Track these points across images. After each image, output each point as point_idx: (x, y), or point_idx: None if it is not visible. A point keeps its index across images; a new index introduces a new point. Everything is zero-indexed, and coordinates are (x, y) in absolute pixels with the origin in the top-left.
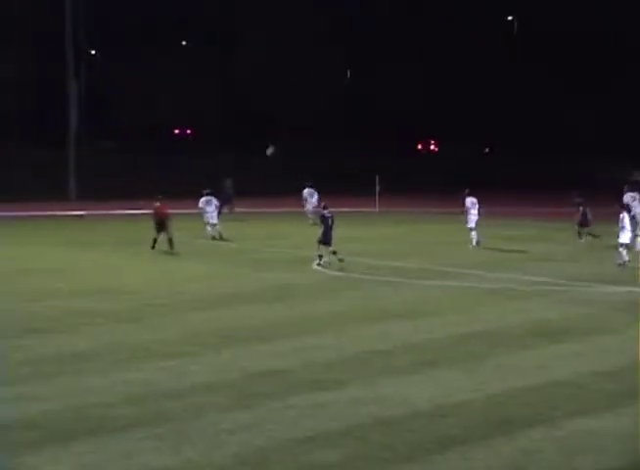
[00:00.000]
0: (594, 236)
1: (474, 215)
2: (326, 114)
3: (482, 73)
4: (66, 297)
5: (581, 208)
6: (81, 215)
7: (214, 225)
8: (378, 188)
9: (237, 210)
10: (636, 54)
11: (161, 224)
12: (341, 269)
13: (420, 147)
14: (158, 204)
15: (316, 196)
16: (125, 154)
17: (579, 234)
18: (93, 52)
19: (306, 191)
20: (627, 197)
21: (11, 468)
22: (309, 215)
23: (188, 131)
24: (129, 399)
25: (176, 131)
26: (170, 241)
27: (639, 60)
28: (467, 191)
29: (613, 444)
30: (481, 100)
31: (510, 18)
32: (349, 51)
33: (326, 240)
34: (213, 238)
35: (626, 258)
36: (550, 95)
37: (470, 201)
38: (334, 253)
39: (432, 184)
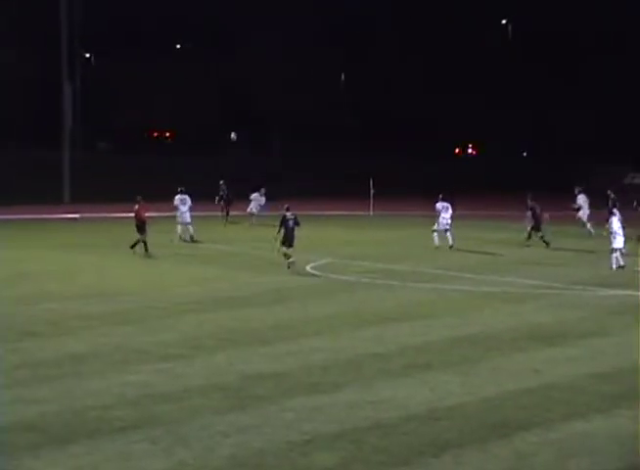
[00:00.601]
0: (545, 242)
1: (443, 219)
2: (325, 115)
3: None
4: (62, 299)
5: (533, 211)
6: (76, 218)
7: (187, 225)
8: (372, 191)
9: (232, 212)
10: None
11: (140, 227)
12: (328, 271)
13: (457, 150)
14: (137, 206)
15: (264, 198)
16: (121, 155)
17: (529, 237)
18: (87, 55)
19: (256, 194)
20: (581, 199)
21: None
22: (253, 217)
23: (168, 133)
24: (126, 401)
25: (167, 134)
26: (145, 244)
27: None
28: (440, 196)
29: (608, 446)
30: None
31: (504, 21)
32: (348, 51)
33: (286, 241)
34: (180, 238)
35: (621, 262)
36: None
37: (440, 205)
38: (285, 255)
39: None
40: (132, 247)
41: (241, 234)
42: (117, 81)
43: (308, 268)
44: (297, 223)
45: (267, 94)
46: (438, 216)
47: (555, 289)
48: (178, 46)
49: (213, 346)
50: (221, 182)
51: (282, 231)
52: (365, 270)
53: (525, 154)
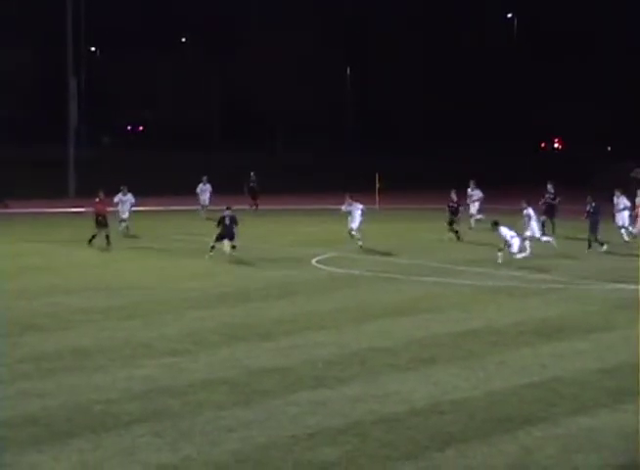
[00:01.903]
0: (457, 237)
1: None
2: (328, 112)
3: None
4: (65, 294)
5: (455, 206)
6: (80, 212)
7: (124, 221)
8: (378, 185)
9: (235, 207)
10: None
11: (101, 221)
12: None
13: (543, 145)
14: (97, 200)
15: (209, 192)
16: (125, 151)
17: (457, 232)
18: (93, 49)
19: (200, 186)
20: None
21: (12, 465)
22: (202, 211)
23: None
24: (129, 395)
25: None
26: (107, 237)
27: None
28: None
29: (614, 441)
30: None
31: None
32: (350, 50)
33: (222, 236)
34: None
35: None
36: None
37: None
38: (233, 247)
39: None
40: (90, 241)
41: (246, 229)
42: (121, 76)
43: (313, 262)
44: (234, 222)
45: (268, 91)
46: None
47: (561, 283)
48: (183, 39)
49: (218, 340)
50: (252, 173)
51: (220, 228)
52: (370, 264)
53: (609, 149)
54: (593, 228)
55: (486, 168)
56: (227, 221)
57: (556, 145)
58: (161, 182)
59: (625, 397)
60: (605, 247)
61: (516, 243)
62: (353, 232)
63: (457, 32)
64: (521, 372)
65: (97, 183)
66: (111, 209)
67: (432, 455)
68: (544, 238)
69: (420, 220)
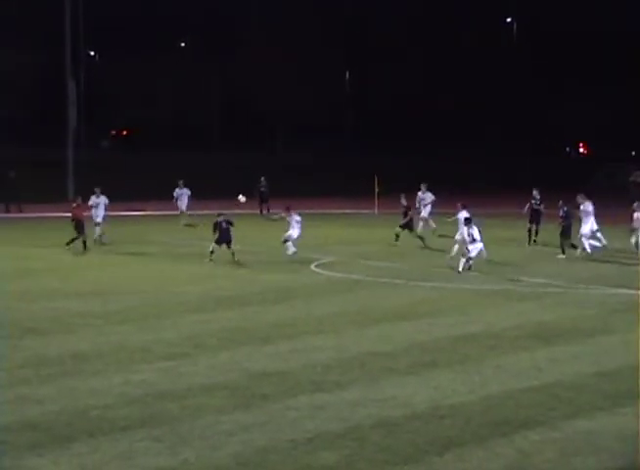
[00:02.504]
0: (421, 238)
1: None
2: (327, 113)
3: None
4: (64, 297)
5: (407, 211)
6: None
7: (98, 225)
8: (377, 190)
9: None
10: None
11: (78, 226)
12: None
13: (567, 149)
14: (74, 205)
15: (186, 197)
16: (124, 154)
17: (397, 236)
18: (92, 53)
19: (177, 191)
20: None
21: (11, 469)
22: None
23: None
24: (129, 400)
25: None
26: (84, 243)
27: None
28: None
29: (612, 444)
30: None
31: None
32: (350, 50)
33: (220, 241)
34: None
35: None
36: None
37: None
38: (232, 254)
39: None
40: (68, 244)
41: (246, 233)
42: (120, 80)
43: (312, 267)
44: (230, 224)
45: (268, 92)
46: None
47: (559, 287)
48: (183, 44)
49: (216, 344)
50: (262, 178)
51: (217, 233)
52: (369, 269)
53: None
54: (566, 233)
55: (487, 169)
56: (224, 225)
57: (581, 150)
58: (161, 184)
59: (623, 400)
60: (579, 251)
61: (476, 248)
62: (289, 241)
63: (457, 32)
64: (518, 376)
65: (96, 186)
66: (86, 213)
67: (430, 460)
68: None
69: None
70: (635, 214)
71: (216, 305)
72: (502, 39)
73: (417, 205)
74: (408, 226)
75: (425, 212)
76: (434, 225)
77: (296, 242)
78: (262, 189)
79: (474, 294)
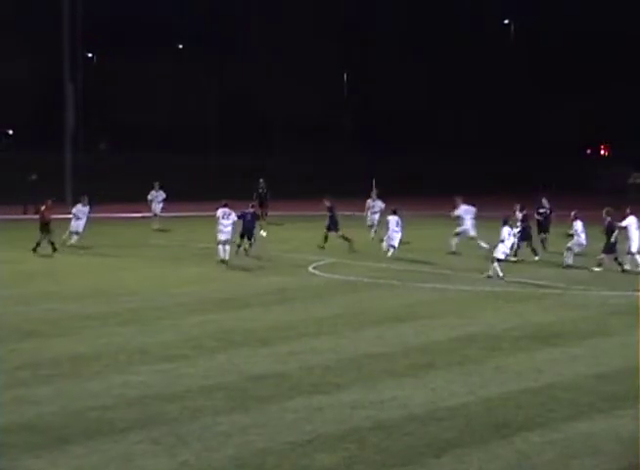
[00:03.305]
0: (346, 239)
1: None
2: (327, 115)
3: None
4: (62, 300)
5: (331, 211)
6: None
7: (78, 234)
8: (376, 191)
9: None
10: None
11: (44, 227)
12: (337, 272)
13: (589, 151)
14: (43, 207)
15: (161, 200)
16: (123, 156)
17: (325, 238)
18: (90, 55)
19: (152, 193)
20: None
21: None
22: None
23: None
24: (126, 401)
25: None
26: (53, 244)
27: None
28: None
29: (611, 446)
30: None
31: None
32: (348, 52)
33: (243, 233)
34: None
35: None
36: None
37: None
38: (250, 245)
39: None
40: (34, 249)
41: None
42: (118, 81)
43: (310, 268)
44: (255, 217)
45: (266, 95)
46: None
47: (557, 289)
48: (180, 46)
49: (214, 346)
50: (261, 180)
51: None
52: (367, 271)
53: None
54: (528, 236)
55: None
56: (248, 217)
57: (602, 152)
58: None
59: (622, 402)
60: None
61: (501, 247)
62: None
63: (456, 34)
64: (517, 378)
65: (94, 189)
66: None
67: (428, 461)
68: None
69: (417, 226)
70: (577, 222)
71: (215, 307)
72: (501, 41)
73: (365, 212)
74: (333, 227)
75: (373, 220)
76: (372, 234)
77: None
78: (261, 191)
79: (473, 295)
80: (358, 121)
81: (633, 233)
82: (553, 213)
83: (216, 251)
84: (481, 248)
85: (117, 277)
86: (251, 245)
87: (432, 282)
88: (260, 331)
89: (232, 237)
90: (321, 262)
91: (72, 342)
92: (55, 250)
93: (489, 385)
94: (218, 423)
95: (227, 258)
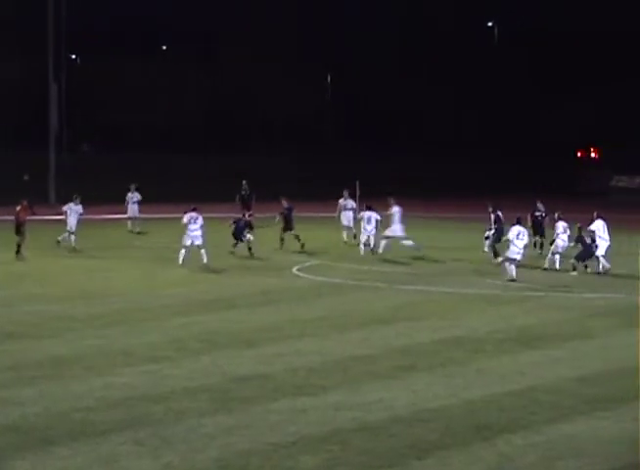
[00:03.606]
0: (298, 239)
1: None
2: (311, 118)
3: None
4: (46, 301)
5: (286, 212)
6: (61, 220)
7: (72, 233)
8: (358, 193)
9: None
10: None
11: (18, 229)
12: (322, 274)
13: (579, 154)
14: (19, 207)
15: (136, 200)
16: (107, 157)
17: (282, 240)
18: (73, 56)
19: (129, 195)
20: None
21: None
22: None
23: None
24: (110, 403)
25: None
26: (19, 246)
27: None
28: (369, 205)
29: (593, 448)
30: None
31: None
32: (330, 59)
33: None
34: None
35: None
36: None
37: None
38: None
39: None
40: (17, 252)
41: (229, 237)
42: (102, 83)
43: (295, 270)
44: (248, 226)
45: (250, 97)
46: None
47: (540, 291)
48: (164, 47)
49: (199, 348)
50: (244, 182)
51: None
52: (352, 273)
53: None
54: (498, 238)
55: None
56: (241, 224)
57: (592, 154)
58: (143, 188)
59: (604, 404)
60: (499, 259)
61: (513, 248)
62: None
63: (440, 36)
64: (500, 380)
65: (78, 189)
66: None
67: (411, 463)
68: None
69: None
70: (558, 223)
71: (199, 309)
72: (484, 43)
73: (337, 213)
74: (288, 227)
75: (346, 221)
76: (348, 238)
77: None
78: (244, 193)
79: (456, 298)
80: (341, 123)
81: (601, 236)
82: (548, 217)
83: (178, 254)
84: (404, 247)
85: (103, 279)
86: (235, 245)
87: (416, 284)
88: (245, 332)
89: (203, 241)
90: (306, 264)
91: (57, 343)
92: (18, 253)
93: (472, 387)
94: (202, 424)
95: (205, 261)
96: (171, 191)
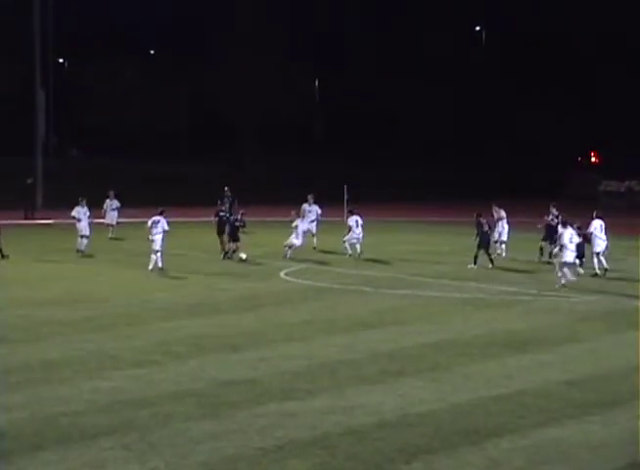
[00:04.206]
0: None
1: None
2: (298, 123)
3: None
4: (33, 306)
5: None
6: (49, 224)
7: (86, 237)
8: (347, 197)
9: (196, 220)
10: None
11: None
12: (307, 278)
13: (580, 159)
14: None
15: (115, 207)
16: (93, 162)
17: (222, 243)
18: (61, 60)
19: (107, 202)
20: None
21: None
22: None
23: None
24: (97, 407)
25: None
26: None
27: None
28: (351, 210)
29: (580, 452)
30: None
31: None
32: (318, 60)
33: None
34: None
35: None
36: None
37: (353, 219)
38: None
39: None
40: (2, 257)
41: (214, 242)
42: (89, 87)
43: (282, 274)
44: (239, 224)
45: (237, 101)
46: (351, 231)
47: (527, 295)
48: (152, 51)
49: (185, 352)
50: (226, 188)
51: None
52: (338, 277)
53: None
54: (483, 243)
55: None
56: (234, 223)
57: (593, 159)
58: (128, 193)
59: (592, 408)
60: (475, 265)
61: (567, 252)
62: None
63: (428, 40)
64: (487, 384)
65: (65, 195)
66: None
67: (399, 468)
68: None
69: (387, 232)
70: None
71: (186, 313)
72: (472, 47)
73: (299, 216)
74: (222, 231)
75: (313, 227)
76: (315, 244)
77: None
78: (226, 199)
79: (443, 302)
80: (329, 128)
81: (598, 236)
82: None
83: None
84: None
85: (89, 283)
86: (234, 249)
87: (402, 288)
88: (231, 337)
89: (160, 245)
90: (292, 268)
91: (43, 348)
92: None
93: (459, 391)
94: (189, 429)
95: (160, 265)
96: (165, 196)
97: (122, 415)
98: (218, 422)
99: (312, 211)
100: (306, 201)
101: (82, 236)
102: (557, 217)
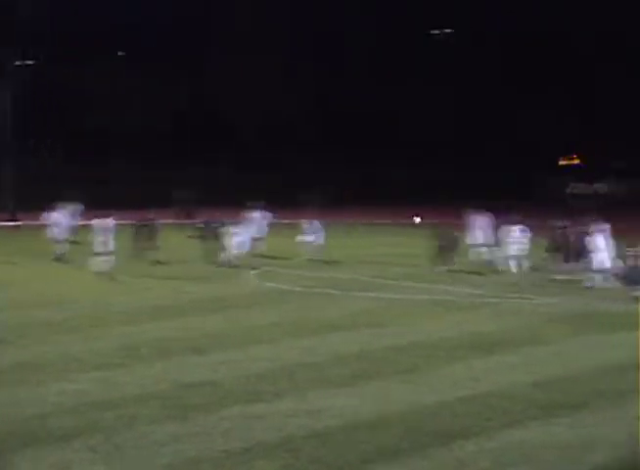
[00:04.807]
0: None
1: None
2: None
3: None
4: (7, 308)
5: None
6: (18, 226)
7: (65, 240)
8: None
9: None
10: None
11: None
12: (276, 281)
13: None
14: None
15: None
16: (65, 163)
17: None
18: (31, 62)
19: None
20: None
21: None
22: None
23: None
24: (63, 410)
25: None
26: None
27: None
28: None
29: (545, 454)
30: None
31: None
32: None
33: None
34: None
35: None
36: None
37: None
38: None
39: None
40: None
41: (184, 243)
42: (64, 88)
43: (249, 276)
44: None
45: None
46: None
47: (496, 298)
48: (120, 53)
49: (151, 354)
50: (185, 191)
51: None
52: (306, 279)
53: None
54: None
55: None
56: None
57: (576, 161)
58: (106, 196)
59: (557, 410)
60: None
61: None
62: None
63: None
64: (454, 386)
65: (39, 198)
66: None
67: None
68: None
69: (357, 235)
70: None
71: (152, 316)
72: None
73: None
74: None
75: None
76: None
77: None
78: (187, 202)
79: (412, 304)
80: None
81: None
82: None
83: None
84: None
85: (56, 285)
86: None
87: (370, 291)
88: (196, 339)
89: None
90: (259, 270)
91: (8, 350)
92: None
93: (426, 393)
94: (154, 431)
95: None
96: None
97: (88, 417)
98: (182, 424)
99: (266, 217)
100: (254, 209)
101: (59, 240)
102: (565, 225)
